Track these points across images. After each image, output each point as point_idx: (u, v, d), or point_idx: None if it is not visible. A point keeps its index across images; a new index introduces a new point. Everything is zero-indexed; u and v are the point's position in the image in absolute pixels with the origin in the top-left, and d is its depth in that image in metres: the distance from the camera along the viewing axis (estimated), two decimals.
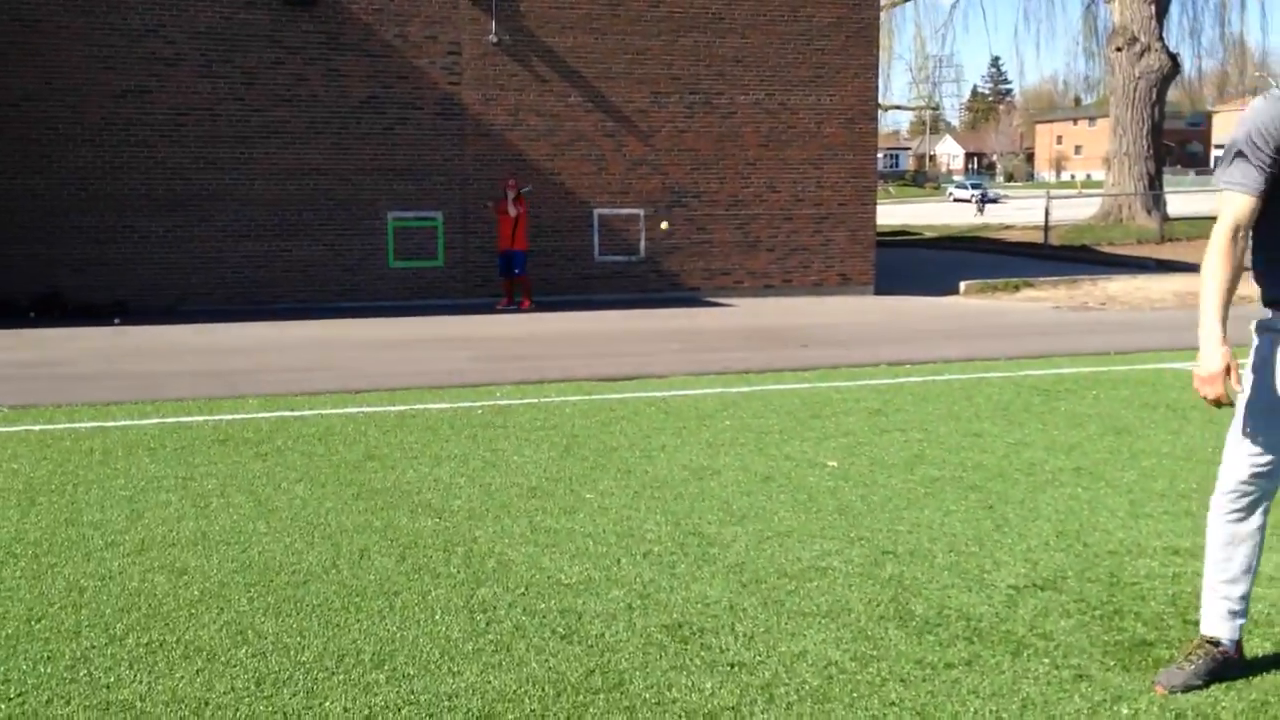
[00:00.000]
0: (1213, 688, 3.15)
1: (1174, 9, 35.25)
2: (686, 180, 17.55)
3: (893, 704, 3.09)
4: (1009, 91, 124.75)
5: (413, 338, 12.60)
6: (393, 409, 7.86)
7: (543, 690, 3.22)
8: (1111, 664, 3.34)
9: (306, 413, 7.76)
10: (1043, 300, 16.67)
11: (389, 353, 11.28)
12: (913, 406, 7.70)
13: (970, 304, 16.43)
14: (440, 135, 16.53)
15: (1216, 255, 2.98)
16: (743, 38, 17.43)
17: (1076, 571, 4.19)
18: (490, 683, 3.27)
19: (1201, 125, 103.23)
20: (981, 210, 51.65)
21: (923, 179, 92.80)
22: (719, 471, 5.88)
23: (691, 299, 17.25)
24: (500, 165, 16.68)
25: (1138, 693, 3.13)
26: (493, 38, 16.46)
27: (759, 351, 11.06)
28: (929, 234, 34.42)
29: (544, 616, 3.80)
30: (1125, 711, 3.02)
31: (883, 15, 24.11)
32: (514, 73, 16.69)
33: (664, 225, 16.85)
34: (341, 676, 3.33)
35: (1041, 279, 18.76)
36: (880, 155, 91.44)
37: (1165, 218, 32.34)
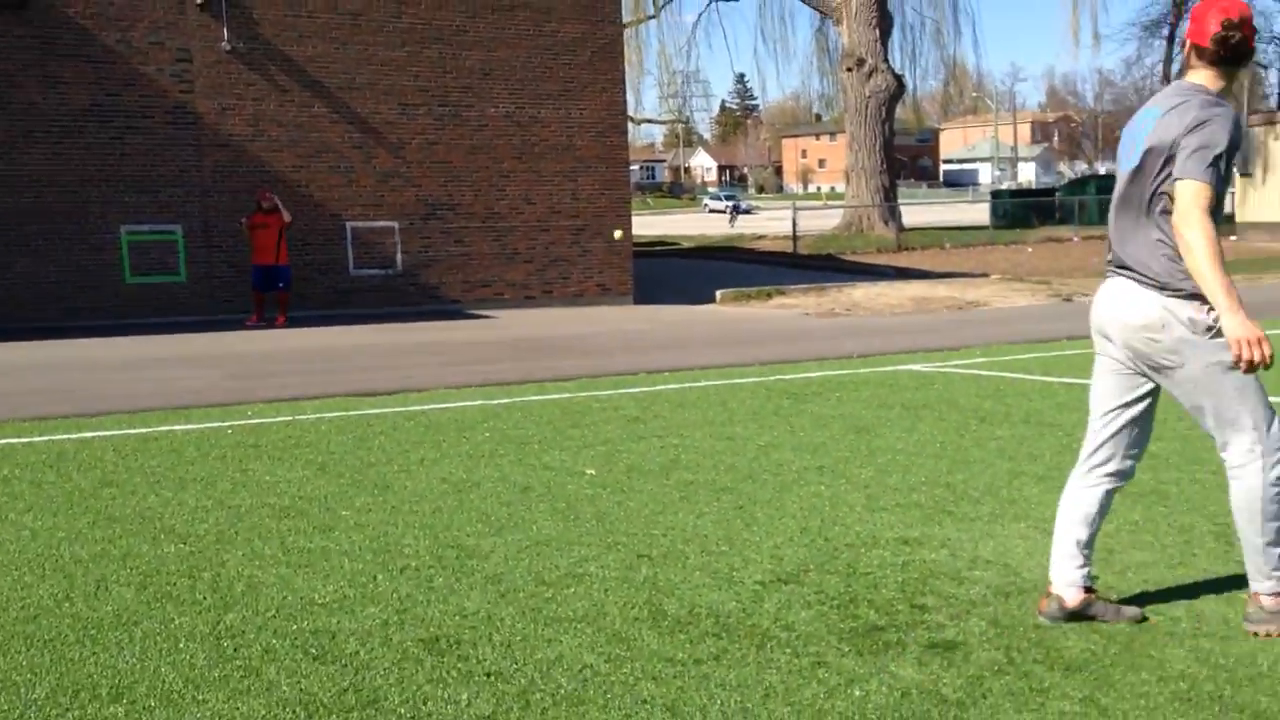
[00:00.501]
0: (934, 665, 3.40)
1: (896, 33, 37.57)
2: (440, 193, 17.43)
3: (644, 702, 3.19)
4: (755, 107, 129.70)
5: (155, 356, 11.99)
6: (133, 432, 7.47)
7: (293, 712, 3.15)
8: (846, 650, 3.55)
9: (36, 439, 7.28)
10: (793, 307, 17.42)
11: (129, 373, 10.70)
12: (670, 413, 7.91)
13: (726, 312, 17.00)
14: (174, 145, 15.80)
15: (1208, 237, 3.30)
16: (489, 51, 17.47)
17: (818, 565, 4.43)
18: (238, 709, 3.18)
19: (930, 141, 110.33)
20: (734, 221, 53.48)
21: (679, 191, 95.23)
22: (478, 484, 5.88)
23: (453, 311, 17.13)
24: (243, 177, 16.09)
25: (868, 675, 3.35)
26: (225, 45, 15.86)
27: (520, 362, 11.10)
28: (686, 244, 35.37)
29: (295, 638, 3.71)
30: (857, 693, 3.22)
31: (628, 31, 24.66)
32: (251, 82, 16.14)
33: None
34: (76, 712, 3.16)
35: (792, 287, 19.62)
36: (636, 168, 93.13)
37: (901, 228, 34.44)
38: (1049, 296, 18.23)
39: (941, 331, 13.41)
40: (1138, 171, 3.51)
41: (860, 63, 34.98)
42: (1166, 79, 41.31)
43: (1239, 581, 4.10)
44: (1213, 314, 3.38)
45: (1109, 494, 3.77)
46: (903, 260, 27.61)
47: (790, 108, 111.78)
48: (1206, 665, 3.37)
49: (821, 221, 38.88)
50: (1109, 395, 3.70)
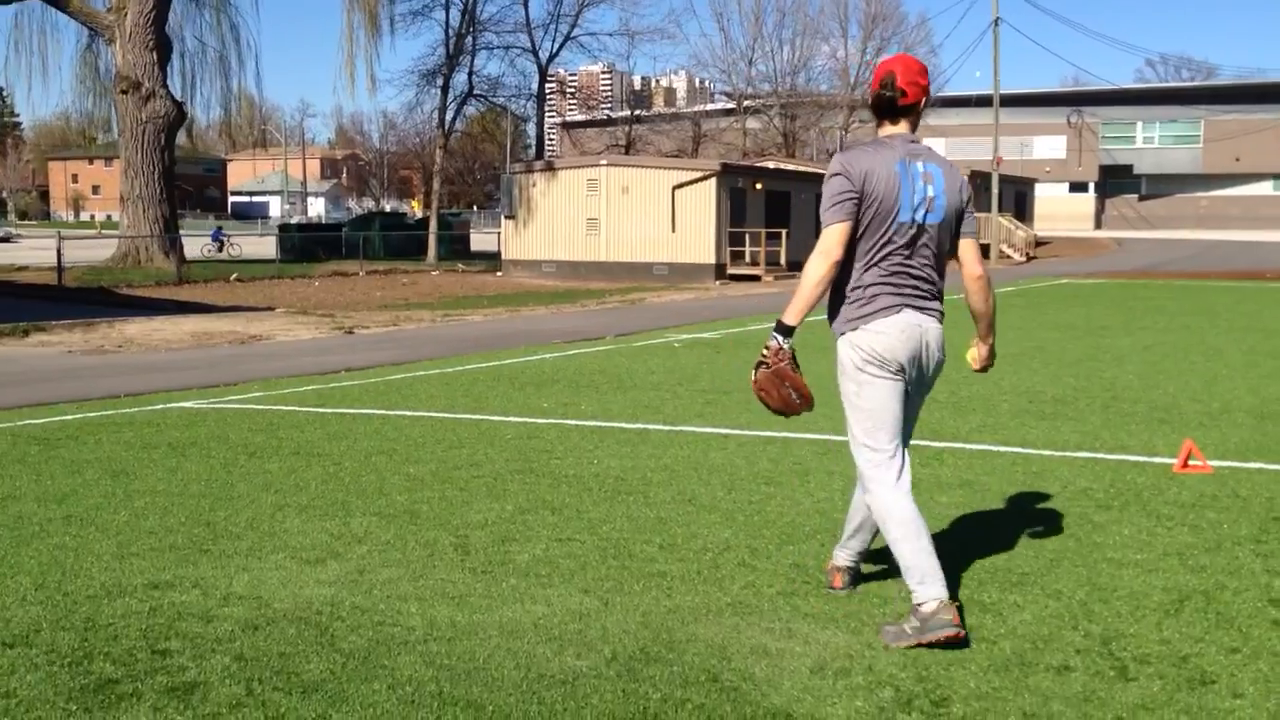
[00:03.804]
0: (169, 709, 3.31)
1: (176, 59, 36.32)
2: None
3: None
4: (18, 124, 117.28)
5: None
6: None
7: None
8: (74, 709, 3.33)
9: None
10: (55, 345, 15.97)
11: None
12: None
13: None
14: None
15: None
16: None
17: (51, 622, 4.10)
18: None
19: (218, 172, 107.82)
20: None
21: None
22: None
23: None
24: None
25: None
26: None
27: None
28: None
29: None
30: None
31: None
32: None
33: None
34: None
35: (55, 323, 17.97)
36: None
37: (183, 260, 33.14)
38: (332, 329, 18.67)
39: (220, 366, 13.13)
40: (943, 225, 4.02)
41: (136, 86, 33.20)
42: (442, 124, 44.29)
43: (472, 588, 4.52)
44: None
45: None
46: (185, 294, 26.62)
47: (59, 128, 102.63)
48: (433, 667, 3.67)
49: (96, 252, 36.17)
50: (901, 413, 4.06)
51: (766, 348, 3.97)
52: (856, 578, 4.48)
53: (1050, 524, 5.46)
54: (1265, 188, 73.94)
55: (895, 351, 3.97)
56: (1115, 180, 75.95)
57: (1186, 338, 14.48)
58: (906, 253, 3.97)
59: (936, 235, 4.01)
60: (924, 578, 3.86)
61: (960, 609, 3.93)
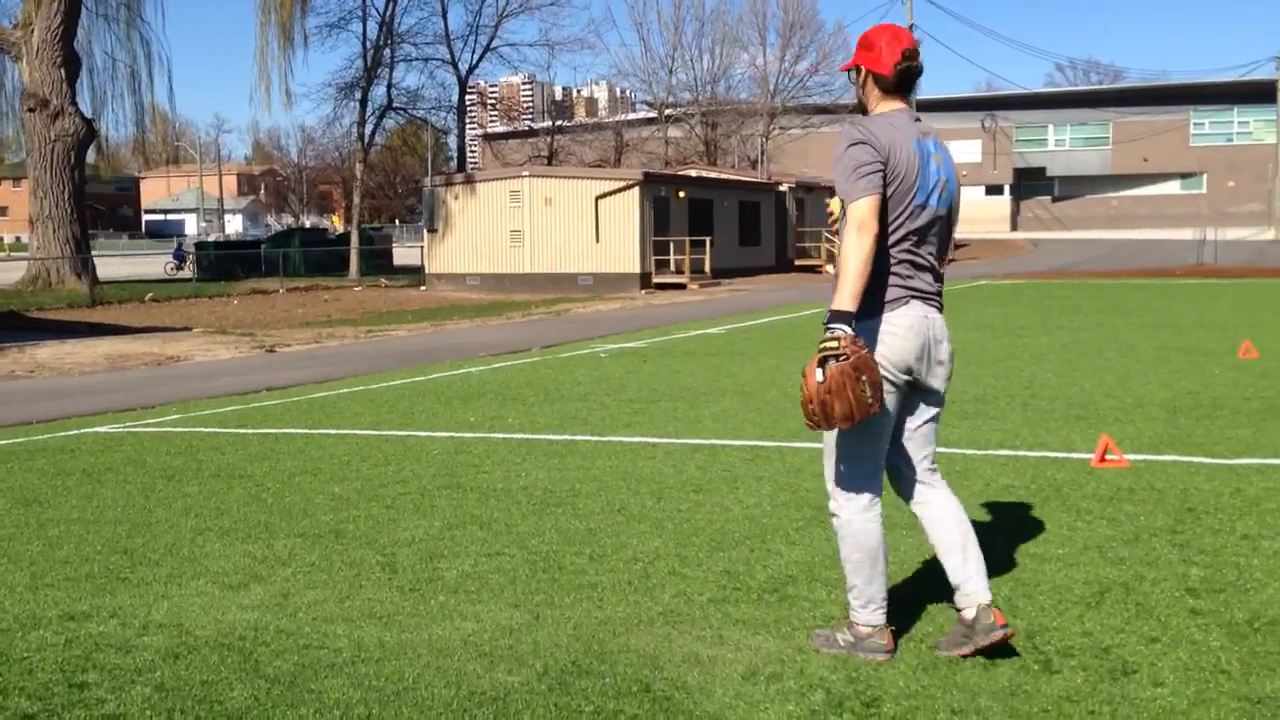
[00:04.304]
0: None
1: (85, 75, 35.51)
2: None
3: None
4: None
5: None
6: None
7: None
8: None
9: None
10: None
11: None
12: None
13: None
14: None
15: None
16: None
17: None
18: None
19: (131, 190, 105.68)
20: None
21: None
22: None
23: None
24: None
25: None
26: None
27: None
28: None
29: None
30: None
31: None
32: None
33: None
34: None
35: None
36: None
37: (96, 281, 32.39)
38: (253, 348, 18.37)
39: (136, 389, 12.85)
40: (950, 212, 3.76)
41: (44, 104, 32.43)
42: (362, 138, 43.80)
43: (400, 606, 4.46)
44: None
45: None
46: (98, 315, 26.02)
47: None
48: (361, 689, 3.61)
49: (5, 275, 35.26)
50: (891, 426, 3.76)
51: (834, 339, 3.43)
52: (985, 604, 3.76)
53: (974, 522, 5.53)
54: (1172, 187, 76.08)
55: (904, 353, 3.62)
56: (1029, 182, 77.61)
57: (1101, 335, 14.82)
58: (916, 239, 3.65)
59: (945, 223, 3.75)
60: (868, 603, 3.73)
61: (894, 633, 3.84)
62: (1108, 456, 6.79)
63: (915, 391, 3.75)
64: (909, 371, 3.66)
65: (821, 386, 3.44)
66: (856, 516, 3.70)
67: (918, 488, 3.86)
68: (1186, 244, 42.57)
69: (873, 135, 3.58)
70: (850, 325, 3.45)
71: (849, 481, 3.71)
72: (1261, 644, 3.82)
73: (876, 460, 3.73)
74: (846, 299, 3.45)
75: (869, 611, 3.73)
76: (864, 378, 3.42)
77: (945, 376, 3.77)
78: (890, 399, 3.64)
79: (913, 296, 3.64)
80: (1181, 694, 3.44)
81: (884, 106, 3.73)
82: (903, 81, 3.72)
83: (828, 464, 3.79)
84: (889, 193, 3.57)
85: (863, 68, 3.75)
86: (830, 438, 3.74)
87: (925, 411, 3.82)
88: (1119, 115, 75.56)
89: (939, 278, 3.77)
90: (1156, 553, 4.93)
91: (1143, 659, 3.72)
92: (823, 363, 3.44)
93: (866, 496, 3.71)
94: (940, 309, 3.76)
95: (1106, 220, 75.69)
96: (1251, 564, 4.73)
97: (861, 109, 3.82)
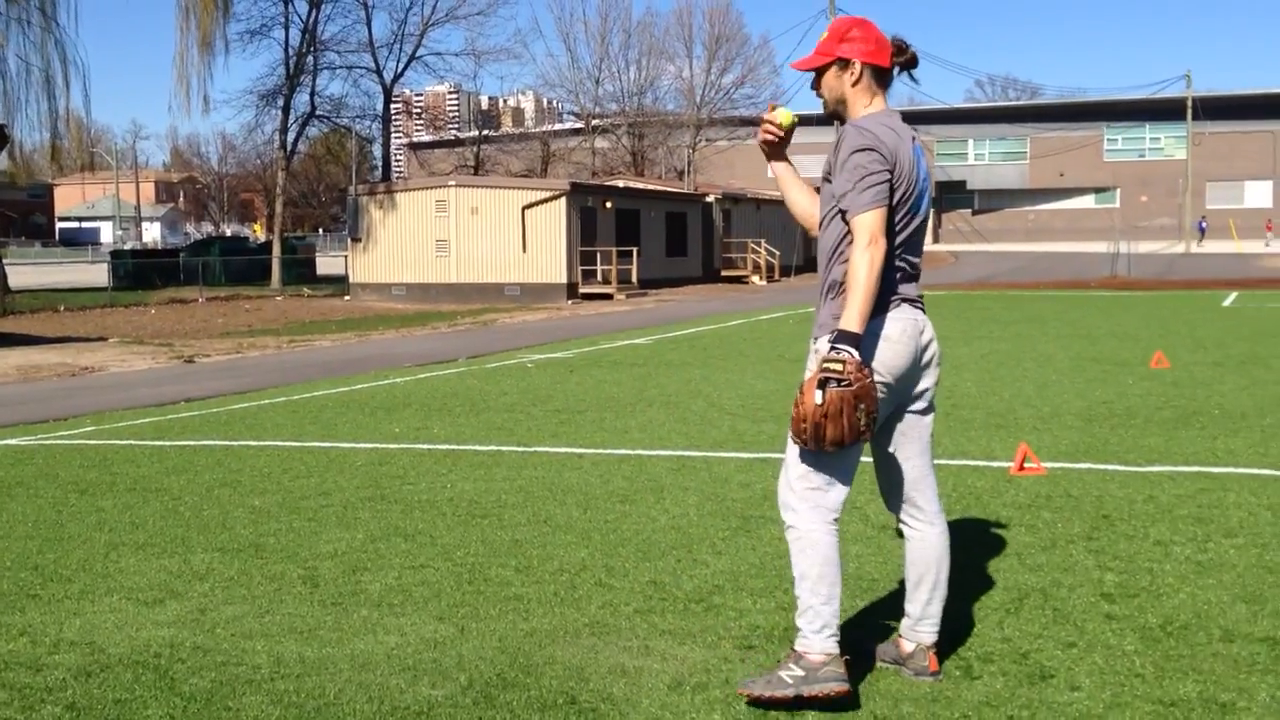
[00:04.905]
0: None
1: None
2: None
3: None
4: None
5: None
6: None
7: None
8: None
9: None
10: None
11: None
12: None
13: None
14: None
15: None
16: None
17: None
18: None
19: (44, 197, 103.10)
20: None
21: None
22: None
23: None
24: None
25: None
26: None
27: None
28: None
29: None
30: None
31: None
32: None
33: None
34: None
35: None
36: None
37: (7, 290, 31.57)
38: (171, 359, 18.01)
39: (49, 401, 12.51)
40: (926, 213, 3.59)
41: None
42: (284, 146, 43.27)
43: (322, 621, 4.39)
44: None
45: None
46: (10, 325, 25.32)
47: None
48: (280, 705, 3.54)
49: None
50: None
51: (838, 361, 3.28)
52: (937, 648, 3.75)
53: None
54: (1087, 201, 77.96)
55: (899, 358, 3.48)
56: (950, 195, 78.97)
57: (1019, 346, 15.11)
58: (909, 245, 3.54)
59: (925, 225, 3.62)
60: (823, 628, 3.46)
61: (849, 663, 3.54)
62: (1026, 465, 6.92)
63: (907, 387, 3.58)
64: (902, 377, 3.52)
65: (819, 409, 3.29)
66: (817, 526, 3.47)
67: (915, 514, 3.74)
68: (1101, 257, 43.61)
69: (880, 141, 3.39)
70: (858, 348, 3.31)
71: (812, 488, 3.48)
72: (1174, 648, 3.91)
73: (844, 470, 3.50)
74: (855, 319, 3.30)
75: (823, 638, 3.44)
76: (863, 406, 3.29)
77: (935, 376, 3.65)
78: (882, 404, 3.48)
79: (904, 301, 3.52)
80: (1098, 698, 3.51)
81: (874, 106, 3.51)
82: (891, 77, 3.57)
83: (789, 471, 3.54)
84: (893, 201, 3.42)
85: (858, 61, 3.49)
86: (792, 444, 3.53)
87: (918, 403, 3.63)
88: (1036, 131, 77.29)
89: (920, 277, 3.65)
90: (1073, 559, 5.03)
91: (1060, 664, 3.79)
92: (823, 384, 3.29)
93: (828, 506, 3.49)
94: (924, 309, 3.62)
95: (1025, 233, 77.32)
96: (1164, 569, 4.84)
97: (836, 115, 3.59)
